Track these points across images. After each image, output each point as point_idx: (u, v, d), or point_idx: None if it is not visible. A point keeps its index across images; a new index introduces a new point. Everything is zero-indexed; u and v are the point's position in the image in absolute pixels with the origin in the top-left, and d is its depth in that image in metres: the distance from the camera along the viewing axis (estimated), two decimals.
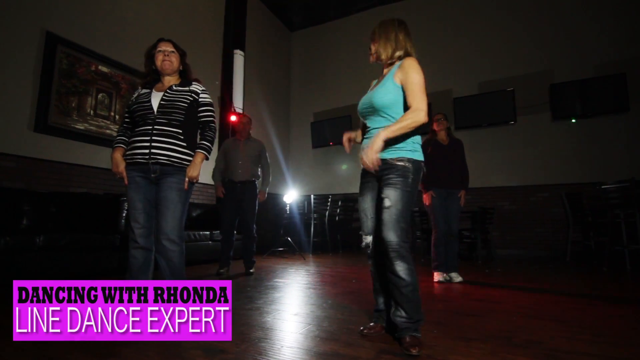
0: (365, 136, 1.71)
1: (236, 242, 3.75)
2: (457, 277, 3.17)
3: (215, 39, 6.05)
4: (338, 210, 6.41)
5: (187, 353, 1.42)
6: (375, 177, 1.67)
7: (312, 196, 6.17)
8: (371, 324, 1.69)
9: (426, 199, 3.28)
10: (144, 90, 1.94)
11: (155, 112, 1.84)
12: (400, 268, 1.49)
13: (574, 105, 5.28)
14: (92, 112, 4.09)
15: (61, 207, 3.43)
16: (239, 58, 6.06)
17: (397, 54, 1.64)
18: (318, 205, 6.17)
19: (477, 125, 5.90)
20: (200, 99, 1.98)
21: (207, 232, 4.39)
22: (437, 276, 3.19)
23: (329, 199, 6.15)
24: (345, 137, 1.83)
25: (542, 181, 5.49)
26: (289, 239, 5.42)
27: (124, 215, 3.55)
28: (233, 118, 5.62)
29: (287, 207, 6.00)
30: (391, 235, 1.50)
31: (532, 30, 5.78)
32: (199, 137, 2.01)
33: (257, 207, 3.69)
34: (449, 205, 3.28)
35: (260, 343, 1.55)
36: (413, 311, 1.49)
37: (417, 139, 1.62)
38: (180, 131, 1.88)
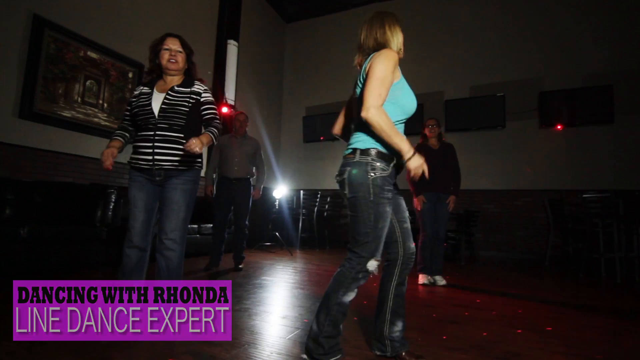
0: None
1: (227, 237, 3.78)
2: (441, 280, 3.25)
3: (209, 27, 5.92)
4: (327, 206, 6.46)
5: (177, 358, 1.44)
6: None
7: (301, 191, 6.18)
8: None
9: (417, 203, 3.34)
10: (145, 90, 1.90)
11: (157, 117, 1.83)
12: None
13: (562, 114, 5.41)
14: (79, 99, 3.98)
15: (46, 197, 3.36)
16: (232, 48, 5.96)
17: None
18: (307, 201, 6.20)
19: (467, 129, 5.99)
20: (202, 99, 1.95)
21: (196, 226, 4.37)
22: (422, 279, 3.27)
23: (318, 195, 6.18)
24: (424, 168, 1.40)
25: (527, 186, 5.63)
26: (277, 233, 5.44)
27: (112, 207, 3.50)
28: (225, 110, 5.56)
29: (277, 202, 6.01)
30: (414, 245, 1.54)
31: (524, 38, 5.85)
32: (206, 127, 1.94)
33: (250, 205, 3.70)
34: (438, 209, 3.34)
35: (249, 349, 1.58)
36: (405, 321, 1.53)
37: None
38: (182, 135, 1.86)
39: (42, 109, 3.62)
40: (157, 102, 1.85)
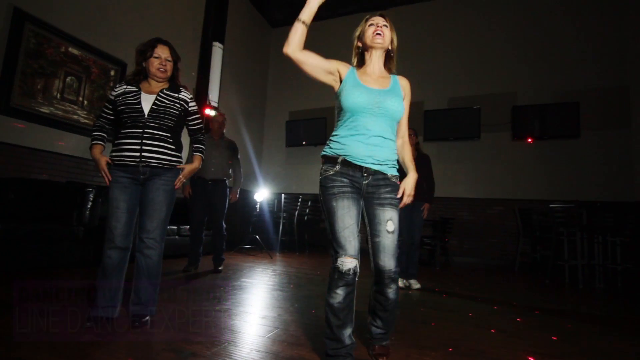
0: (353, 137, 1.46)
1: (205, 239, 3.78)
2: (415, 284, 3.38)
3: (194, 28, 5.92)
4: (307, 210, 6.52)
5: (158, 355, 1.47)
6: (357, 190, 1.46)
7: (282, 195, 6.23)
8: None
9: None
10: (131, 89, 1.91)
11: (147, 116, 1.86)
12: (391, 290, 1.47)
13: (533, 127, 5.71)
14: (58, 95, 3.90)
15: (21, 195, 3.28)
16: (217, 50, 5.97)
17: (396, 60, 1.64)
18: (288, 205, 6.24)
19: (444, 138, 6.21)
20: (190, 108, 2.05)
21: (175, 227, 4.34)
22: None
23: (299, 199, 6.24)
24: None
25: (500, 195, 5.89)
26: (257, 237, 5.46)
27: (89, 206, 3.45)
28: (208, 112, 5.55)
29: (257, 205, 6.02)
30: (392, 263, 1.42)
31: (500, 53, 6.16)
32: (192, 140, 2.14)
33: (227, 206, 3.72)
34: (413, 216, 3.47)
35: (229, 346, 1.62)
36: (390, 324, 1.57)
37: None
38: (169, 135, 1.93)
39: (19, 104, 3.54)
40: (147, 102, 1.88)
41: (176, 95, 1.97)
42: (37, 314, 1.91)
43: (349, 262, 1.37)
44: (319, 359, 1.52)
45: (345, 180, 1.45)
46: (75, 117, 4.05)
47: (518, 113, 5.79)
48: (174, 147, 1.95)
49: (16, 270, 2.83)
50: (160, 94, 1.92)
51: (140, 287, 1.86)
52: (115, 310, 1.85)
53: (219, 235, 3.68)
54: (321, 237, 6.98)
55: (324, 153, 1.53)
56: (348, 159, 1.46)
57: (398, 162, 1.59)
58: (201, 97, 5.69)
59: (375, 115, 1.47)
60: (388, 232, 1.44)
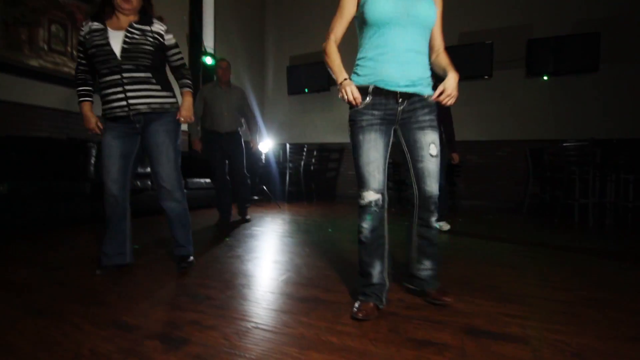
0: (382, 56, 1.31)
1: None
2: (445, 226, 3.38)
3: None
4: (313, 160, 6.45)
5: (174, 300, 1.49)
6: (390, 120, 1.37)
7: (287, 145, 6.13)
8: (359, 304, 1.35)
9: None
10: (96, 26, 1.72)
11: (119, 57, 1.70)
12: (435, 218, 1.43)
13: (548, 62, 5.36)
14: (45, 46, 3.69)
15: (23, 153, 3.22)
16: None
17: None
18: (293, 155, 6.17)
19: None
20: (166, 42, 1.85)
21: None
22: None
23: (305, 149, 6.14)
24: (354, 88, 1.31)
25: (511, 136, 5.72)
26: (264, 187, 5.46)
27: (92, 161, 3.40)
28: (206, 59, 5.28)
29: (263, 156, 5.96)
30: (436, 188, 1.40)
31: None
32: (177, 77, 1.95)
33: (245, 155, 3.67)
34: None
35: (244, 289, 1.64)
36: (437, 260, 1.50)
37: None
38: (150, 74, 1.78)
39: (5, 56, 3.35)
40: (116, 40, 1.70)
41: (148, 28, 1.77)
42: (52, 267, 1.94)
43: (370, 195, 1.34)
44: (334, 298, 1.53)
45: (376, 112, 1.35)
46: (66, 69, 3.86)
47: (533, 47, 5.41)
48: (159, 87, 1.80)
49: (24, 229, 2.86)
50: (128, 29, 1.72)
51: (175, 233, 1.92)
52: (125, 257, 1.88)
53: (242, 184, 3.65)
54: (329, 187, 6.99)
55: (356, 81, 1.36)
56: (379, 84, 1.32)
57: (433, 75, 1.44)
58: (195, 43, 5.38)
59: (404, 26, 1.30)
60: (432, 155, 1.38)
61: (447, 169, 5.26)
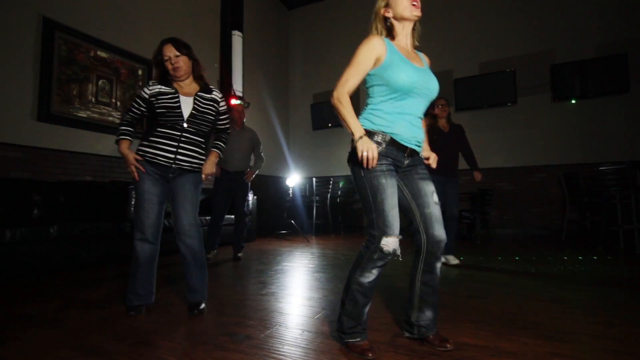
0: (401, 115, 1.40)
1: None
2: (453, 260, 3.27)
3: (213, 19, 5.91)
4: (339, 192, 6.50)
5: (215, 340, 1.52)
6: (397, 169, 1.45)
7: (313, 179, 6.24)
8: (361, 348, 1.35)
9: None
10: (166, 90, 1.90)
11: (186, 121, 1.90)
12: (439, 265, 1.45)
13: (574, 86, 5.30)
14: (93, 99, 4.06)
15: (70, 196, 3.47)
16: (237, 39, 5.94)
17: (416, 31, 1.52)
18: (319, 188, 6.25)
19: (477, 107, 5.92)
20: (220, 108, 2.05)
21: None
22: None
23: (331, 181, 6.22)
24: (375, 147, 1.33)
25: (541, 162, 5.57)
26: (292, 221, 5.53)
27: (133, 202, 3.60)
28: (234, 102, 5.59)
29: (290, 190, 6.08)
30: (444, 232, 1.43)
31: (533, 9, 5.71)
32: (215, 138, 2.13)
33: (248, 192, 3.78)
34: (447, 191, 3.34)
35: (281, 329, 1.65)
36: (437, 307, 1.48)
37: None
38: (203, 140, 1.99)
39: (59, 110, 3.71)
40: (186, 105, 1.90)
41: (209, 96, 1.98)
42: (97, 305, 2.03)
43: (393, 243, 1.34)
44: (371, 337, 1.51)
45: (389, 159, 1.40)
46: (110, 118, 4.20)
47: (557, 72, 5.39)
48: (204, 152, 2.01)
49: (70, 269, 3.03)
50: (196, 97, 1.94)
51: (189, 276, 1.91)
52: (152, 296, 1.96)
53: (241, 222, 3.71)
54: (355, 218, 6.96)
55: (365, 127, 1.41)
56: (396, 138, 1.40)
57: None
58: (225, 88, 5.72)
59: (420, 96, 1.43)
60: (435, 203, 1.45)
61: (480, 198, 5.18)
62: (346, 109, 1.35)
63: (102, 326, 1.69)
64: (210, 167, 2.02)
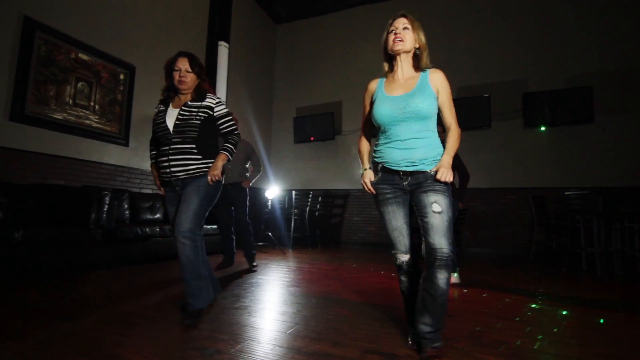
0: (388, 144, 1.56)
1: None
2: (455, 280, 3.23)
3: (199, 28, 5.94)
4: (318, 206, 6.54)
5: (183, 354, 1.50)
6: (402, 192, 1.58)
7: (293, 191, 6.25)
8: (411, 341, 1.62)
9: None
10: (162, 107, 2.06)
11: (172, 132, 1.96)
12: (443, 277, 1.43)
13: (544, 114, 5.61)
14: (71, 101, 3.97)
15: (39, 200, 3.35)
16: (223, 50, 5.98)
17: (426, 55, 1.64)
18: (299, 201, 6.27)
19: None
20: (215, 113, 2.06)
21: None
22: None
23: (310, 195, 6.25)
24: (367, 181, 1.65)
25: (512, 184, 5.82)
26: (270, 233, 5.50)
27: (106, 209, 3.50)
28: None
29: (269, 202, 6.06)
30: (444, 242, 1.43)
31: (509, 40, 6.05)
32: (223, 142, 2.13)
33: (247, 203, 3.79)
34: None
35: (252, 343, 1.64)
36: (440, 320, 1.48)
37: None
38: (194, 146, 1.98)
39: (33, 111, 3.60)
40: (171, 118, 1.98)
41: (198, 104, 2.01)
42: (62, 316, 1.96)
43: (401, 257, 1.62)
44: (342, 352, 1.53)
45: (386, 186, 1.61)
46: (87, 122, 4.11)
47: (529, 100, 5.69)
48: (200, 156, 1.99)
49: (36, 276, 2.90)
50: (182, 107, 1.99)
51: (184, 281, 1.95)
52: (205, 300, 1.95)
53: (245, 231, 3.72)
54: (333, 233, 6.99)
55: (374, 161, 1.68)
56: (386, 165, 1.59)
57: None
58: None
59: (403, 121, 1.53)
60: (435, 212, 1.46)
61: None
62: (361, 152, 1.76)
63: (66, 339, 1.63)
64: (214, 168, 1.99)
